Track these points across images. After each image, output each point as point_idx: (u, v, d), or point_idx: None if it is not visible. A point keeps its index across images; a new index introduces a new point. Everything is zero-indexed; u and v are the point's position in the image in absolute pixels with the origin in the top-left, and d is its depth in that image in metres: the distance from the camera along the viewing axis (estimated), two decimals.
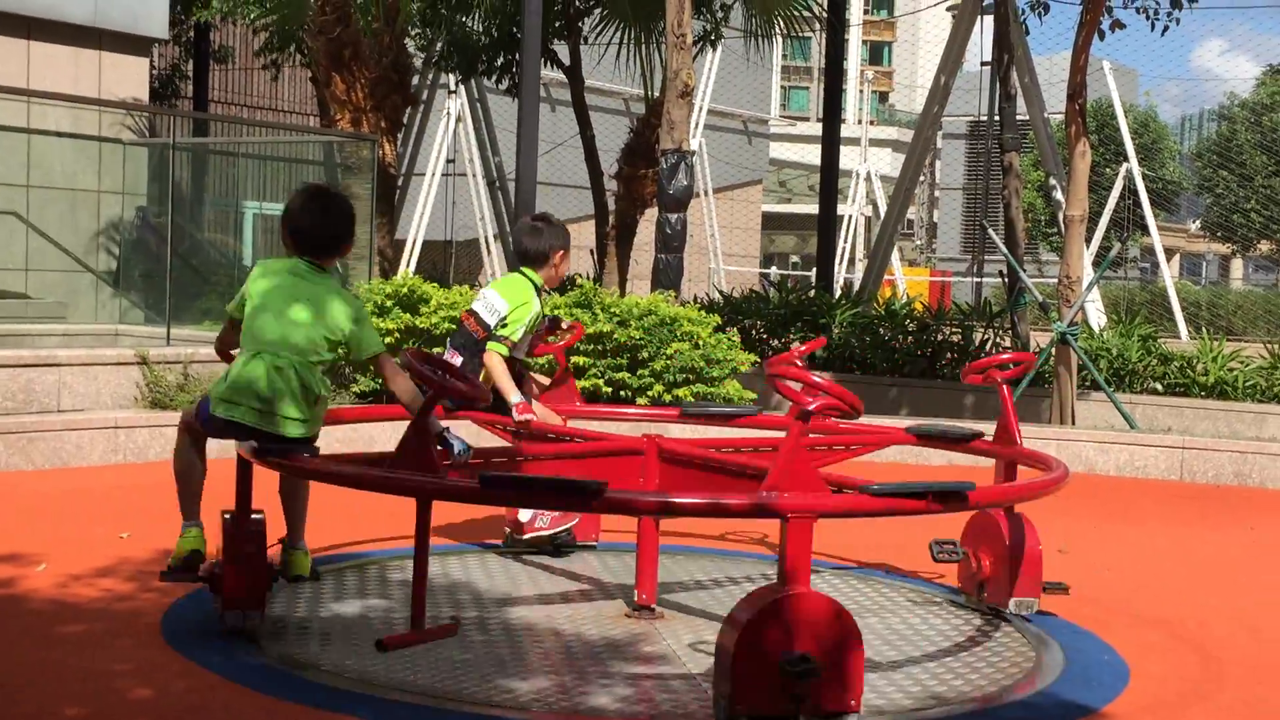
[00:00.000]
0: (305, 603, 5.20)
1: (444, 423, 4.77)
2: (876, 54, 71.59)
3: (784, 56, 54.27)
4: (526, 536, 6.20)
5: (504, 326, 5.91)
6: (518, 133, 11.99)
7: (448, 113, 24.33)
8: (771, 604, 3.78)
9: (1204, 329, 18.03)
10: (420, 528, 4.22)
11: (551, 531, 6.20)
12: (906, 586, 5.97)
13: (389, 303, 10.02)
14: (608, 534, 6.63)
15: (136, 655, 4.42)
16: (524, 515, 6.18)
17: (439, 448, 4.54)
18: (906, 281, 34.76)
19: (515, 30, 15.62)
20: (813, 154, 18.19)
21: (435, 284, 10.53)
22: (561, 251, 6.08)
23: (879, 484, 4.02)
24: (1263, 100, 42.39)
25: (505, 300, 5.95)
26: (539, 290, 6.06)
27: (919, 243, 49.21)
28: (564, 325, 6.42)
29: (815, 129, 20.07)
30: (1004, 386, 5.43)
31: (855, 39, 57.51)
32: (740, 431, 6.61)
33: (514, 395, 5.78)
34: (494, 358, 5.84)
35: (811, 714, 3.76)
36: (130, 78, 13.82)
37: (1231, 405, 11.21)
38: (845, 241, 36.98)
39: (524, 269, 6.09)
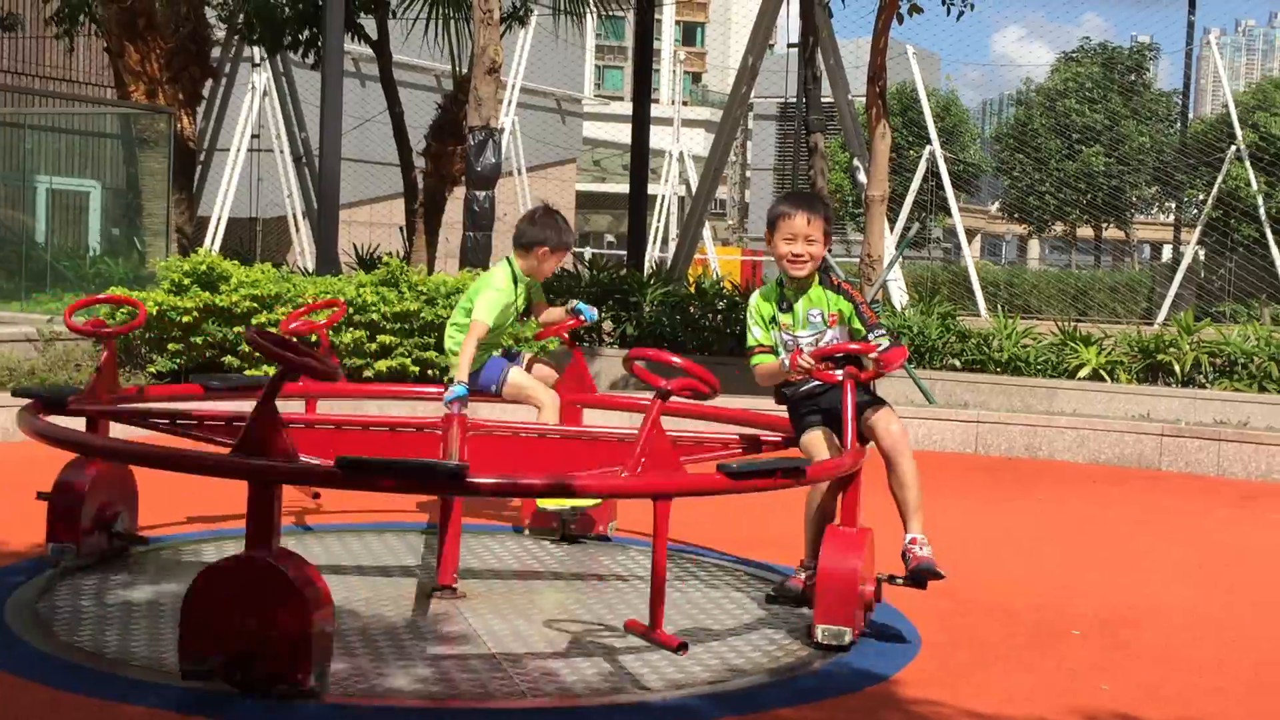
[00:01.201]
0: (93, 590, 5.02)
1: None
2: (690, 35, 72.14)
3: (597, 35, 54.35)
4: None
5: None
6: (321, 108, 11.77)
7: (252, 86, 23.77)
8: None
9: (1001, 308, 18.63)
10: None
11: None
12: (703, 559, 6.02)
13: (187, 280, 9.73)
14: (403, 514, 6.56)
15: None
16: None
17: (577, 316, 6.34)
18: (719, 260, 35.19)
19: (320, 2, 15.31)
20: (626, 133, 18.22)
21: (237, 262, 10.27)
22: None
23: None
24: (1057, 86, 43.89)
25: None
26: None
27: (731, 222, 49.83)
28: None
29: (629, 108, 20.05)
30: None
31: (669, 19, 57.96)
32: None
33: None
34: None
35: None
36: None
37: (1025, 380, 11.61)
38: (659, 221, 37.25)
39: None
